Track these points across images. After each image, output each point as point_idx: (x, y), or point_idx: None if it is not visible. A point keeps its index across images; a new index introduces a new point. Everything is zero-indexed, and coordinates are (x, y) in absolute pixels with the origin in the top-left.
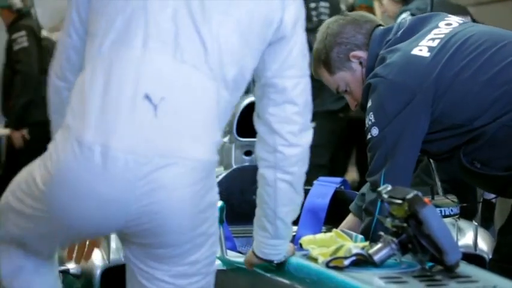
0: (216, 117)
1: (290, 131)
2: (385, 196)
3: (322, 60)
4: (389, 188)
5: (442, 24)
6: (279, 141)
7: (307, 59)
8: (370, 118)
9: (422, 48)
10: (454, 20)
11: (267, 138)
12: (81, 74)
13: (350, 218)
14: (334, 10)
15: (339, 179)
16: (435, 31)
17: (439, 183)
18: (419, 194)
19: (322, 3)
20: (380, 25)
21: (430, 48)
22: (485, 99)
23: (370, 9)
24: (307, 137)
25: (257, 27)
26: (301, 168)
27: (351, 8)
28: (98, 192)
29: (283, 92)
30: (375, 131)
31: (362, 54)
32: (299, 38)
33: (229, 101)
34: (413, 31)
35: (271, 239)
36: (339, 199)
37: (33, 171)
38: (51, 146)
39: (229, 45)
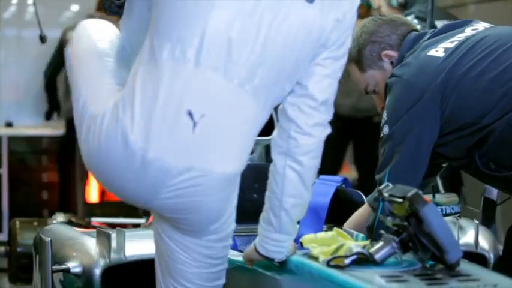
0: (251, 136)
1: (305, 122)
2: (386, 195)
3: (354, 57)
4: (390, 186)
5: (468, 29)
6: (294, 128)
7: (340, 61)
8: (383, 117)
9: (438, 49)
10: (482, 26)
11: (284, 125)
12: (135, 73)
13: (362, 209)
14: None
15: (340, 178)
16: (459, 35)
17: (440, 181)
18: (420, 192)
19: None
20: (416, 30)
21: (446, 49)
22: (490, 96)
23: (368, 9)
24: (323, 131)
25: (307, 46)
26: (311, 160)
27: None
28: (127, 185)
29: (305, 88)
30: (386, 129)
31: (394, 54)
32: (333, 42)
33: (264, 121)
34: (440, 34)
35: (274, 233)
36: (340, 198)
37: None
38: (100, 110)
39: (280, 64)
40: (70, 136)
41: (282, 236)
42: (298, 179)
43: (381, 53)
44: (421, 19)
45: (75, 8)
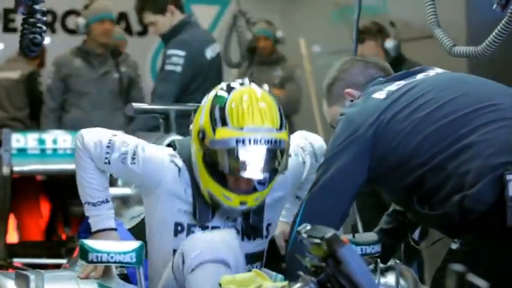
0: None
1: None
2: (304, 235)
3: (325, 92)
4: (308, 227)
5: (420, 75)
6: None
7: None
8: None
9: (382, 93)
10: (435, 71)
11: None
12: None
13: None
14: None
15: None
16: (409, 79)
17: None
18: (338, 233)
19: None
20: (389, 74)
21: (388, 92)
22: (414, 138)
23: (274, 43)
24: None
25: None
26: None
27: (254, 41)
28: None
29: None
30: (321, 160)
31: (356, 93)
32: None
33: None
34: (394, 80)
35: None
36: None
37: None
38: None
39: None
40: None
41: None
42: None
43: (344, 90)
44: None
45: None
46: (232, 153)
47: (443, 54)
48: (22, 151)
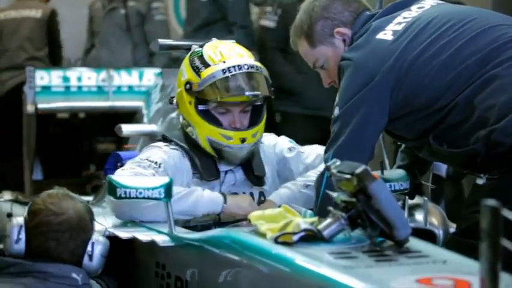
0: None
1: None
2: (334, 171)
3: (304, 31)
4: (338, 162)
5: (414, 7)
6: None
7: None
8: (336, 99)
9: (387, 32)
10: (428, 3)
11: None
12: None
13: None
14: None
15: None
16: (405, 14)
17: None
18: (368, 168)
19: None
20: (368, 9)
21: (394, 32)
22: (443, 79)
23: None
24: None
25: None
26: None
27: None
28: None
29: None
30: (336, 111)
31: (347, 31)
32: None
33: None
34: (387, 14)
35: None
36: None
37: None
38: None
39: None
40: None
41: None
42: None
43: (334, 30)
44: None
45: None
46: (222, 82)
47: None
48: (46, 89)
